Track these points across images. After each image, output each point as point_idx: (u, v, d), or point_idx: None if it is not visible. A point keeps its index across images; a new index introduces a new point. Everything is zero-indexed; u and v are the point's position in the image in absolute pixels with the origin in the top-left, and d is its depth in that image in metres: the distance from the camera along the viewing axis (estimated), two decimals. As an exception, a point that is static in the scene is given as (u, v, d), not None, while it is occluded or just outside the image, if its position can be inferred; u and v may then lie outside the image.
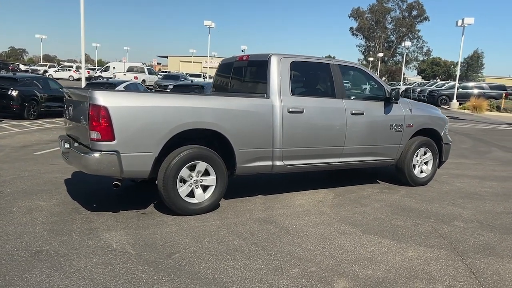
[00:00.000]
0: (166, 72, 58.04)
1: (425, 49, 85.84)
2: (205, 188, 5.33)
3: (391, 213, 5.65)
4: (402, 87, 42.81)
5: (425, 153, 7.23)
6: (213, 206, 5.37)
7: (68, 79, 44.65)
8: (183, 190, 5.14)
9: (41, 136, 11.61)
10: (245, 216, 5.28)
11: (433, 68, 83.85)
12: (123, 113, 4.70)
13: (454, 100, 30.32)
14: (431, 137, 7.27)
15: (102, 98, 4.62)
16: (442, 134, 7.40)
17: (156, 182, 5.19)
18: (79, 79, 46.17)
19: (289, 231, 4.79)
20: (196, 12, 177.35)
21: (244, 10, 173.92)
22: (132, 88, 16.27)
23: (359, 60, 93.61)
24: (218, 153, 5.37)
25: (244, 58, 6.41)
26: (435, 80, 57.63)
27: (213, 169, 5.29)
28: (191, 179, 5.20)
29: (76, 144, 5.42)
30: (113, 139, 4.66)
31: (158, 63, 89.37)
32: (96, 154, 4.66)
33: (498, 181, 7.92)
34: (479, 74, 79.33)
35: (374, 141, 6.58)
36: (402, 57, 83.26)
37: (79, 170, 7.09)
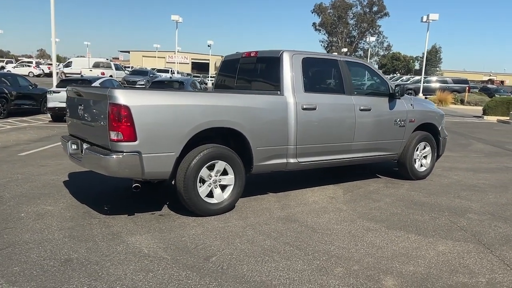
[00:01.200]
0: (128, 67, 56.62)
1: (385, 44, 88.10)
2: (223, 187, 5.22)
3: (405, 207, 5.72)
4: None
5: (424, 148, 7.38)
6: (231, 206, 5.27)
7: (28, 75, 42.74)
8: (202, 190, 5.01)
9: (19, 136, 11.10)
10: (265, 215, 5.21)
11: (393, 63, 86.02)
12: (144, 112, 4.51)
13: (420, 94, 31.21)
14: (429, 132, 7.42)
15: (123, 97, 4.41)
16: (439, 129, 7.58)
17: (172, 182, 5.04)
18: (39, 75, 44.48)
19: (315, 229, 4.76)
20: (159, 6, 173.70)
21: (208, 4, 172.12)
22: (108, 84, 15.76)
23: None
24: (234, 151, 5.26)
25: (252, 55, 6.30)
26: (396, 75, 59.18)
27: (232, 168, 5.18)
28: (210, 178, 5.07)
29: (85, 145, 5.18)
30: (135, 139, 4.47)
31: (118, 58, 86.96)
32: (118, 156, 4.44)
33: (490, 173, 8.19)
34: (437, 69, 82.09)
35: (380, 136, 6.65)
36: (364, 52, 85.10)
37: (72, 172, 6.85)
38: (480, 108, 24.28)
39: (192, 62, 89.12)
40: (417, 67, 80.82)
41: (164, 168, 4.75)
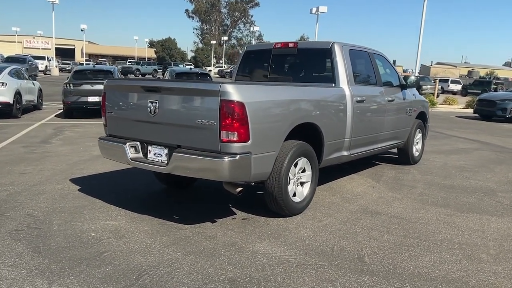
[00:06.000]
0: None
1: (257, 34, 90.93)
2: (301, 185, 5.03)
3: (444, 191, 6.15)
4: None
5: (417, 134, 7.97)
6: (310, 202, 5.11)
7: None
8: (291, 189, 4.77)
9: None
10: (342, 210, 5.15)
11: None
12: (256, 109, 4.12)
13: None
14: (421, 119, 8.03)
15: (236, 92, 3.95)
16: (427, 117, 8.25)
17: (252, 184, 4.68)
18: None
19: (408, 220, 4.87)
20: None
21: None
22: (13, 73, 13.66)
23: (195, 42, 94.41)
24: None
25: (290, 46, 6.09)
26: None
27: (310, 164, 5.02)
28: (294, 177, 4.85)
29: (156, 147, 4.53)
30: (248, 139, 4.05)
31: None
32: (232, 158, 3.98)
33: (458, 155, 9.20)
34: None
35: (398, 125, 7.01)
36: (238, 41, 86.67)
37: (72, 178, 5.98)
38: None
39: (55, 47, 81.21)
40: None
41: (267, 169, 4.40)
